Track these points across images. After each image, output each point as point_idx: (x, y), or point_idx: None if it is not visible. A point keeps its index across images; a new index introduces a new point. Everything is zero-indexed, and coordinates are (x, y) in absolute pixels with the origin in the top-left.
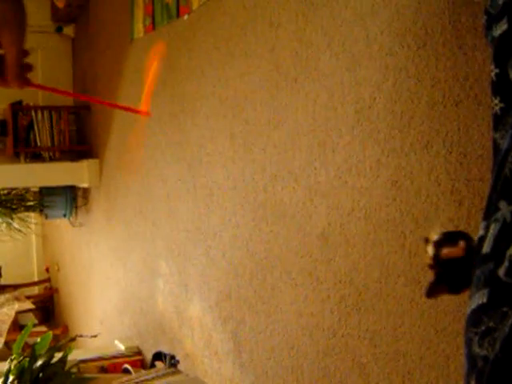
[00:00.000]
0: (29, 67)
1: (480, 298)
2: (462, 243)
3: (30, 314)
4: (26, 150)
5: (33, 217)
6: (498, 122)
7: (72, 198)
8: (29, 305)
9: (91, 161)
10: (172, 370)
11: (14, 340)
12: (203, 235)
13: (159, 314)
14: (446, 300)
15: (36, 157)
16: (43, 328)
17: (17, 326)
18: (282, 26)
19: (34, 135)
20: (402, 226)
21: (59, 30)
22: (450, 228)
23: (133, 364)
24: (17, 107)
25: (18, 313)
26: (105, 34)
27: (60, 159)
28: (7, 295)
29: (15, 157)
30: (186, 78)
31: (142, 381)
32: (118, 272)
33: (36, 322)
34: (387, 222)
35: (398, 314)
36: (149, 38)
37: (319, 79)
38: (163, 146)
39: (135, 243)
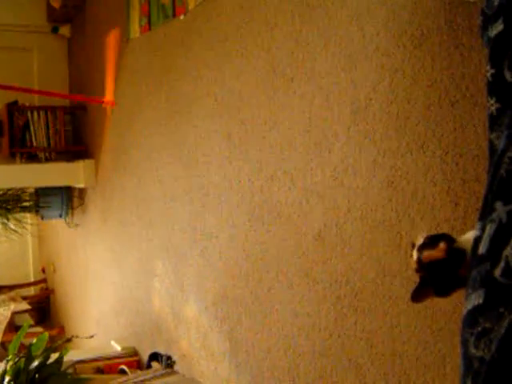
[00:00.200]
0: None
1: (476, 298)
2: (441, 245)
3: (26, 315)
4: (22, 150)
5: (29, 217)
6: (494, 122)
7: (68, 199)
8: (25, 305)
9: (87, 161)
10: (168, 370)
11: (10, 341)
12: (199, 236)
13: (155, 315)
14: (442, 300)
15: (32, 157)
16: (39, 329)
17: (13, 326)
18: (278, 26)
19: (30, 135)
20: (398, 227)
21: (55, 30)
22: (445, 229)
23: (129, 365)
24: (12, 107)
25: (14, 313)
26: (101, 35)
27: (56, 160)
28: (3, 296)
29: (11, 157)
30: (182, 78)
31: (139, 381)
32: (114, 272)
33: (32, 322)
34: (383, 223)
35: (394, 314)
36: (145, 39)
37: (315, 79)
38: (159, 146)
39: (131, 244)
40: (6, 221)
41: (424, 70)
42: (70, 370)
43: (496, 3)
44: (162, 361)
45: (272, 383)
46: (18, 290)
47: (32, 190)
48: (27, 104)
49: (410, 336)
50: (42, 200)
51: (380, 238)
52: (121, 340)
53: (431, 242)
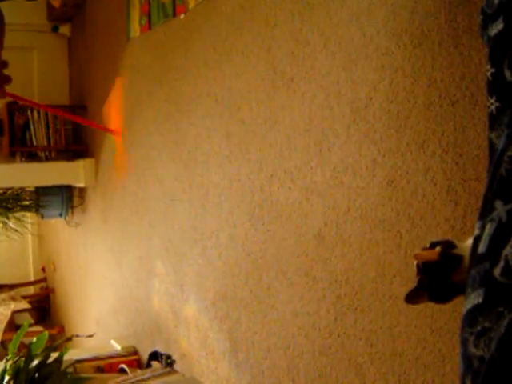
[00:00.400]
0: (7, 79)
1: (475, 298)
2: (437, 248)
3: (26, 314)
4: (22, 149)
5: (29, 216)
6: (494, 121)
7: (68, 198)
8: (25, 304)
9: (87, 160)
10: (168, 369)
11: (10, 340)
12: (199, 235)
13: (155, 314)
14: None
15: (32, 156)
16: (39, 328)
17: (13, 325)
18: (278, 25)
19: (30, 135)
20: (398, 226)
21: (55, 29)
22: (445, 228)
23: (129, 364)
24: (13, 106)
25: (14, 312)
26: (101, 34)
27: (56, 159)
28: (3, 295)
29: (11, 156)
30: (182, 77)
31: (138, 381)
32: (114, 272)
33: (32, 321)
34: (383, 222)
35: (394, 313)
36: (145, 38)
37: (315, 79)
38: (159, 145)
39: (131, 243)
40: (6, 220)
41: (424, 70)
42: (70, 369)
43: (496, 2)
44: (161, 360)
45: (272, 382)
46: (18, 289)
47: (32, 189)
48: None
49: (409, 335)
50: (42, 199)
51: (380, 238)
52: (121, 339)
53: (431, 245)
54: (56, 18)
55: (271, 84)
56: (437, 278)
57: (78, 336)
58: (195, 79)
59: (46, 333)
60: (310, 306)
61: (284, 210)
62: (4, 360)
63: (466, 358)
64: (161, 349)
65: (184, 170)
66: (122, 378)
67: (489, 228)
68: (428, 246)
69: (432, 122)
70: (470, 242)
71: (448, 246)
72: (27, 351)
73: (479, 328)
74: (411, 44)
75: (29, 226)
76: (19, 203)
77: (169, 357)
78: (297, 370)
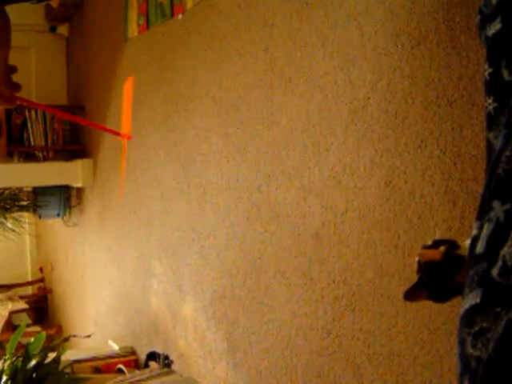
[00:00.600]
0: (16, 86)
1: (473, 298)
2: (441, 248)
3: (24, 314)
4: (20, 149)
5: (26, 216)
6: (492, 121)
7: (66, 198)
8: (22, 305)
9: (85, 160)
10: (166, 370)
11: (8, 340)
12: (197, 235)
13: (153, 314)
14: None
15: (30, 156)
16: (37, 328)
17: (10, 326)
18: (276, 25)
19: (28, 134)
20: (396, 226)
21: (53, 29)
22: (443, 228)
23: (127, 364)
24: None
25: (12, 313)
26: (99, 34)
27: (54, 159)
28: (1, 295)
29: (9, 156)
30: (179, 77)
31: (136, 381)
32: (112, 272)
33: (30, 322)
34: (381, 222)
35: (392, 313)
36: (143, 38)
37: (313, 79)
38: (157, 145)
39: (129, 243)
40: (3, 220)
41: (422, 70)
42: (68, 370)
43: (494, 2)
44: (159, 360)
45: (269, 383)
46: (15, 290)
47: (30, 189)
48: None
49: (407, 336)
50: (40, 199)
51: (378, 238)
52: (118, 339)
53: (434, 244)
54: (54, 18)
55: (269, 84)
56: (438, 278)
57: (75, 336)
58: (193, 79)
59: (44, 333)
60: (308, 306)
61: (282, 210)
62: (2, 360)
63: (464, 359)
64: (158, 349)
65: (182, 169)
66: (119, 378)
67: (487, 228)
68: (430, 243)
69: (430, 122)
70: None
71: (452, 246)
72: (25, 351)
73: (477, 328)
74: (409, 44)
75: (26, 226)
76: (17, 203)
77: (166, 357)
78: (295, 370)
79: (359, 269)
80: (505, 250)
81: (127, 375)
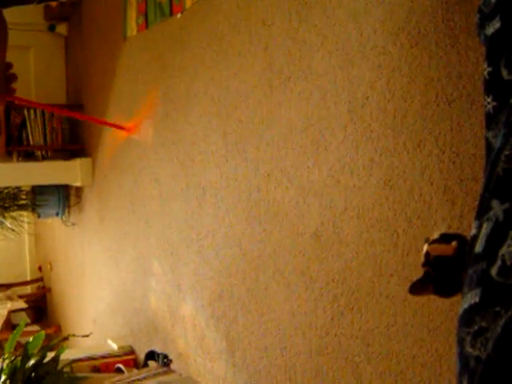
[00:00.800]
0: (13, 77)
1: (472, 297)
2: (453, 243)
3: (23, 314)
4: (19, 148)
5: (25, 216)
6: (491, 120)
7: (65, 197)
8: (21, 304)
9: (84, 160)
10: (165, 369)
11: (7, 339)
12: (196, 234)
13: (152, 314)
14: (439, 299)
15: (28, 155)
16: (36, 327)
17: (9, 325)
18: (275, 24)
19: (27, 134)
20: (395, 226)
21: (52, 28)
22: (442, 228)
23: (125, 363)
24: (9, 105)
25: (11, 312)
26: (98, 33)
27: (52, 158)
28: (0, 294)
29: (8, 155)
30: (178, 76)
31: (135, 380)
32: (111, 271)
33: (28, 321)
34: (380, 222)
35: (391, 313)
36: (142, 37)
37: (312, 78)
38: (156, 144)
39: (128, 242)
40: (2, 219)
41: (421, 69)
42: (67, 369)
43: (493, 1)
44: (158, 359)
45: (269, 382)
46: (14, 289)
47: (29, 189)
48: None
49: (406, 335)
50: (39, 198)
51: (377, 237)
52: (117, 339)
53: (444, 238)
54: (53, 16)
55: (268, 83)
56: (447, 273)
57: (74, 335)
58: (192, 78)
59: (43, 332)
60: (307, 305)
61: (281, 210)
62: (0, 359)
63: (463, 358)
64: (157, 348)
65: (181, 169)
66: (118, 377)
67: (486, 227)
68: (437, 236)
69: (429, 122)
70: None
71: (463, 241)
72: (24, 351)
73: (476, 328)
74: (408, 43)
75: (25, 225)
76: (16, 202)
77: (165, 356)
78: (293, 369)
79: (358, 268)
80: (504, 250)
81: (126, 374)
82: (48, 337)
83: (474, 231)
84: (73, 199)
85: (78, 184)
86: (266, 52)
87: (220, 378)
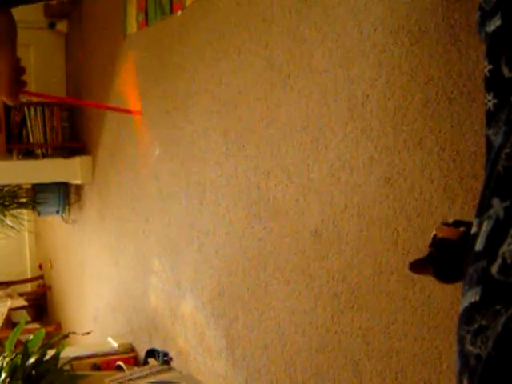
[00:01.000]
0: (23, 84)
1: (472, 295)
2: (461, 228)
3: (23, 311)
4: (19, 146)
5: (26, 213)
6: (491, 118)
7: (65, 195)
8: (22, 302)
9: (84, 157)
10: (165, 367)
11: (7, 337)
12: (196, 232)
13: (152, 311)
14: (439, 297)
15: (29, 153)
16: (36, 325)
17: (9, 323)
18: (275, 22)
19: (27, 132)
20: (395, 223)
21: (52, 25)
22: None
23: (126, 361)
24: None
25: (11, 310)
26: (98, 30)
27: (53, 156)
28: (0, 292)
29: (8, 153)
30: (178, 74)
31: (135, 378)
32: (111, 269)
33: (29, 319)
34: (380, 219)
35: (391, 311)
36: (142, 34)
37: (312, 76)
38: (156, 142)
39: (128, 240)
40: (2, 217)
41: (421, 67)
42: (67, 367)
43: None
44: (158, 357)
45: (269, 380)
46: (14, 287)
47: (29, 186)
48: (24, 100)
49: (406, 333)
50: (39, 196)
51: (377, 235)
52: (117, 337)
53: (456, 224)
54: (53, 14)
55: (268, 81)
56: (449, 258)
57: (74, 333)
58: (192, 76)
59: (43, 330)
60: (307, 303)
61: (281, 207)
62: (1, 357)
63: (463, 356)
64: (158, 346)
65: (181, 166)
66: (118, 375)
67: (486, 225)
68: (451, 222)
69: (429, 120)
70: None
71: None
72: (24, 348)
73: (476, 326)
74: (408, 41)
75: (25, 223)
76: (16, 200)
77: (166, 354)
78: (294, 367)
79: (358, 266)
80: (504, 248)
81: (126, 372)
82: (48, 335)
83: (474, 229)
84: (73, 197)
85: (78, 182)
86: (266, 50)
87: (220, 376)
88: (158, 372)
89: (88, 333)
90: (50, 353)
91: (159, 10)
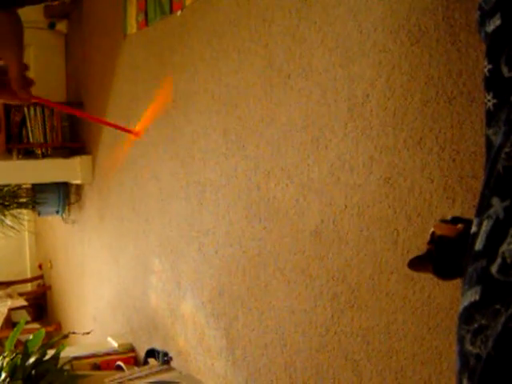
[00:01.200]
0: (30, 81)
1: (472, 295)
2: (459, 225)
3: (23, 311)
4: (19, 146)
5: (25, 213)
6: (491, 118)
7: (65, 195)
8: (22, 302)
9: (84, 157)
10: (165, 367)
11: (7, 337)
12: (196, 232)
13: (152, 311)
14: (439, 297)
15: (28, 153)
16: (36, 325)
17: (9, 323)
18: (275, 22)
19: (27, 131)
20: (395, 223)
21: (52, 26)
22: None
23: (126, 361)
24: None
25: (11, 310)
26: (98, 30)
27: (52, 156)
28: (0, 292)
29: (8, 153)
30: (178, 74)
31: (135, 378)
32: (111, 269)
33: (29, 319)
34: (380, 219)
35: (391, 310)
36: (142, 34)
37: (312, 75)
38: (156, 142)
39: (128, 240)
40: (2, 217)
41: (421, 67)
42: (67, 367)
43: None
44: (158, 357)
45: (269, 379)
46: (14, 287)
47: (29, 186)
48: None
49: (406, 333)
50: (39, 196)
51: (377, 235)
52: (117, 336)
53: (454, 221)
54: (53, 14)
55: (268, 81)
56: (447, 255)
57: (74, 333)
58: (192, 76)
59: (43, 330)
60: (307, 303)
61: (281, 207)
62: (1, 357)
63: (463, 356)
64: (157, 346)
65: (181, 166)
66: (118, 375)
67: (486, 225)
68: (449, 218)
69: (429, 119)
70: None
71: (470, 226)
72: (24, 348)
73: (476, 326)
74: (408, 41)
75: (25, 223)
76: (16, 200)
77: (165, 354)
78: (294, 367)
79: (358, 266)
80: (504, 247)
81: (126, 372)
82: (48, 335)
83: (474, 229)
84: (73, 197)
85: (78, 182)
86: (266, 49)
87: (220, 376)
88: (158, 372)
89: (88, 332)
90: (50, 353)
91: (159, 10)
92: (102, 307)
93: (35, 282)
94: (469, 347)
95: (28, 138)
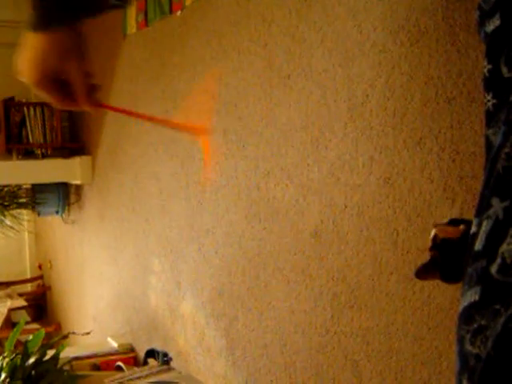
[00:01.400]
0: (96, 88)
1: (472, 295)
2: (461, 226)
3: (23, 312)
4: (19, 146)
5: (25, 214)
6: (491, 118)
7: (64, 195)
8: (21, 302)
9: (84, 158)
10: (165, 367)
11: (6, 337)
12: (196, 232)
13: (152, 311)
14: (439, 297)
15: (28, 154)
16: (36, 325)
17: (9, 323)
18: (274, 22)
19: (27, 132)
20: (395, 223)
21: None
22: None
23: (126, 361)
24: (9, 103)
25: (11, 310)
26: (97, 30)
27: (52, 156)
28: (0, 292)
29: (7, 153)
30: (178, 74)
31: (135, 378)
32: (111, 269)
33: (28, 319)
34: (380, 219)
35: (391, 311)
36: (142, 34)
37: (312, 76)
38: (156, 142)
39: (128, 240)
40: (2, 217)
41: (421, 67)
42: (67, 367)
43: None
44: (158, 358)
45: (268, 379)
46: (14, 287)
47: (28, 187)
48: (24, 100)
49: (406, 333)
50: (39, 196)
51: (376, 235)
52: (117, 337)
53: (452, 223)
54: None
55: (268, 81)
56: (453, 257)
57: (74, 333)
58: (192, 76)
59: (43, 330)
60: (307, 303)
61: (280, 208)
62: (0, 357)
63: (463, 356)
64: (157, 346)
65: (181, 166)
66: (118, 375)
67: (485, 225)
68: (446, 222)
69: (429, 120)
70: None
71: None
72: (23, 349)
73: (476, 326)
74: (408, 41)
75: (25, 223)
76: (15, 200)
77: (165, 354)
78: (293, 367)
79: (358, 266)
80: (504, 248)
81: (126, 372)
82: (48, 335)
83: (473, 229)
84: (73, 197)
85: (78, 182)
86: (266, 49)
87: (220, 376)
88: (158, 372)
89: (88, 333)
90: (50, 353)
91: (159, 10)
92: (102, 307)
93: (35, 283)
94: (468, 347)
95: (28, 138)
